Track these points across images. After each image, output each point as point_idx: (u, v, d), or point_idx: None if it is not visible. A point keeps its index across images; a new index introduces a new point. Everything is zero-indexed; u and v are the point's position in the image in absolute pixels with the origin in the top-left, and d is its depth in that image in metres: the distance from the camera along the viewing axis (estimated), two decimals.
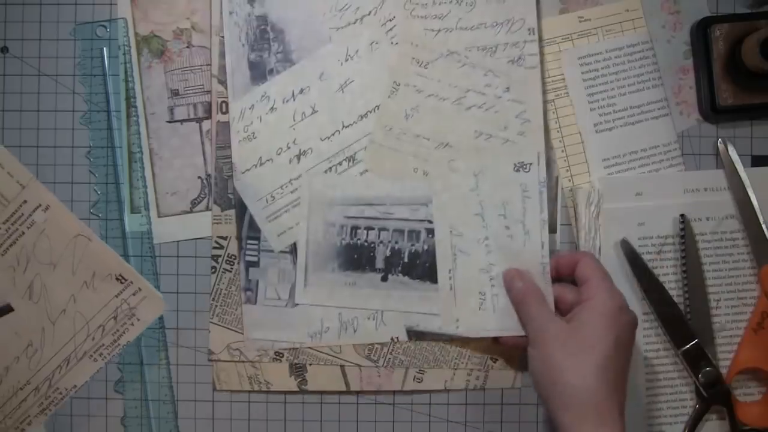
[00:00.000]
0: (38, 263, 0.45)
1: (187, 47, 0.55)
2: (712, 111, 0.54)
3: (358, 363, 0.55)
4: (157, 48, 0.55)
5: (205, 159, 0.55)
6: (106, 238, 0.53)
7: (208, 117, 0.55)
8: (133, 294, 0.46)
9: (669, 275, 0.54)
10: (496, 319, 0.54)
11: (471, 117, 0.54)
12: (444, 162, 0.54)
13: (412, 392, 0.55)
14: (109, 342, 0.47)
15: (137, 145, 0.55)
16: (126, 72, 0.54)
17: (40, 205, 0.44)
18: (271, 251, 0.55)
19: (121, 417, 0.54)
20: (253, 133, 0.54)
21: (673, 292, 0.53)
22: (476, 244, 0.54)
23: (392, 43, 0.55)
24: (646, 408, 0.54)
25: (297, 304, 0.55)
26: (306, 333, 0.55)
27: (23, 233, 0.45)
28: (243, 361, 0.55)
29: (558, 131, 0.55)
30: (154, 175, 0.55)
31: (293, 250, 0.55)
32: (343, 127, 0.55)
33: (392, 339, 0.55)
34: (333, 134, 0.55)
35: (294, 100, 0.55)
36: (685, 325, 0.53)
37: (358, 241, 0.55)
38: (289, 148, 0.55)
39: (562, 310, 0.51)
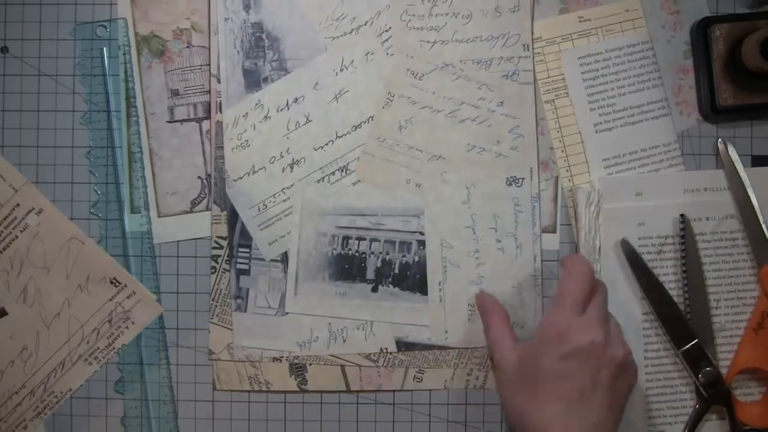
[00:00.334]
0: (32, 267, 0.45)
1: (187, 47, 0.55)
2: (712, 111, 0.54)
3: (358, 363, 0.55)
4: (157, 48, 0.55)
5: (205, 159, 0.55)
6: (106, 238, 0.53)
7: (208, 117, 0.55)
8: (128, 297, 0.46)
9: (669, 275, 0.54)
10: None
11: (464, 130, 0.55)
12: (436, 174, 0.55)
13: (412, 392, 0.55)
14: (104, 345, 0.47)
15: (137, 145, 0.55)
16: (126, 72, 0.54)
17: (33, 208, 0.44)
18: (262, 259, 0.55)
19: (121, 417, 0.54)
20: (247, 141, 0.55)
21: (673, 292, 0.53)
22: (467, 257, 0.54)
23: (387, 54, 0.55)
24: (646, 408, 0.54)
25: (287, 313, 0.55)
26: (295, 342, 0.55)
27: (16, 237, 0.44)
28: (243, 361, 0.55)
29: (558, 131, 0.55)
30: (154, 175, 0.55)
31: (284, 258, 0.55)
32: (337, 137, 0.55)
33: (381, 350, 0.55)
34: (326, 144, 0.55)
35: (288, 109, 0.55)
36: (685, 325, 0.53)
37: (350, 252, 0.55)
38: (282, 156, 0.55)
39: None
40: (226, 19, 0.54)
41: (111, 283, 0.46)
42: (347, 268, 0.55)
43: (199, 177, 0.55)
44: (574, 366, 0.45)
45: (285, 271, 0.55)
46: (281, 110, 0.55)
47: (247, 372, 0.55)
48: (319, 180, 0.55)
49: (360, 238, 0.55)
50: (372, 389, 0.55)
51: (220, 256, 0.55)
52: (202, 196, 0.55)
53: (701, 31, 0.54)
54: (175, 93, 0.55)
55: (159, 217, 0.55)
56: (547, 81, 0.55)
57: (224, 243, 0.55)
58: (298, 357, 0.55)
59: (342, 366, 0.55)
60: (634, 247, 0.53)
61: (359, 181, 0.55)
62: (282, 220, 0.55)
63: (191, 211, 0.55)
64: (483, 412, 0.56)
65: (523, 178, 0.55)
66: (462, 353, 0.55)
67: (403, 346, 0.55)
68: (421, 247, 0.55)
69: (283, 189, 0.55)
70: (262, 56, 0.55)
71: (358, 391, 0.56)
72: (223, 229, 0.55)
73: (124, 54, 0.54)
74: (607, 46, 0.55)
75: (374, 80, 0.55)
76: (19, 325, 0.45)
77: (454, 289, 0.54)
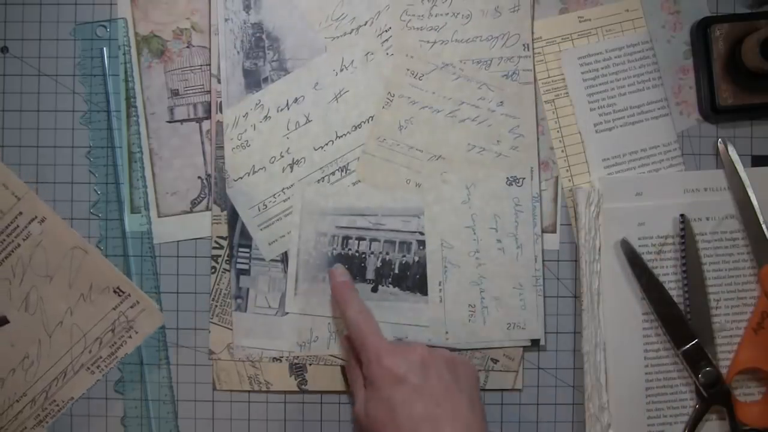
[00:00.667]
0: (34, 275, 0.44)
1: (187, 47, 0.55)
2: (712, 111, 0.54)
3: None
4: (157, 48, 0.55)
5: (205, 159, 0.55)
6: (106, 239, 0.53)
7: (208, 117, 0.55)
8: (131, 306, 0.46)
9: (669, 275, 0.54)
10: (486, 332, 0.54)
11: (464, 130, 0.55)
12: (436, 174, 0.55)
13: None
14: (107, 354, 0.47)
15: (137, 145, 0.55)
16: (126, 72, 0.54)
17: (36, 217, 0.44)
18: (262, 259, 0.55)
19: (121, 417, 0.54)
20: (247, 141, 0.55)
21: (673, 292, 0.53)
22: (467, 257, 0.54)
23: (387, 54, 0.55)
24: (646, 408, 0.54)
25: (287, 313, 0.55)
26: (295, 342, 0.55)
27: (19, 245, 0.44)
28: (243, 361, 0.55)
29: (558, 131, 0.55)
30: (154, 175, 0.55)
31: (284, 258, 0.55)
32: (337, 137, 0.55)
33: None
34: (326, 144, 0.55)
35: (288, 109, 0.55)
36: (685, 325, 0.53)
37: (349, 252, 0.55)
38: (282, 156, 0.55)
39: None
40: (226, 20, 0.54)
41: (114, 292, 0.46)
42: (347, 268, 0.55)
43: (199, 177, 0.55)
44: (427, 381, 0.45)
45: (285, 271, 0.55)
46: (281, 110, 0.55)
47: (247, 372, 0.55)
48: (319, 180, 0.55)
49: (360, 238, 0.55)
50: None
51: (220, 256, 0.55)
52: (202, 196, 0.55)
53: (701, 31, 0.54)
54: (175, 93, 0.55)
55: (159, 217, 0.55)
56: (547, 81, 0.55)
57: (224, 243, 0.55)
58: (298, 357, 0.55)
59: (342, 366, 0.55)
60: (634, 247, 0.53)
61: (359, 181, 0.55)
62: (282, 220, 0.55)
63: (191, 211, 0.55)
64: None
65: (524, 178, 0.55)
66: (462, 353, 0.55)
67: None
68: (421, 247, 0.55)
69: (283, 189, 0.55)
70: (262, 56, 0.55)
71: None
72: (223, 229, 0.55)
73: (124, 54, 0.54)
74: (607, 46, 0.55)
75: (374, 80, 0.55)
76: (21, 333, 0.45)
77: (454, 289, 0.54)
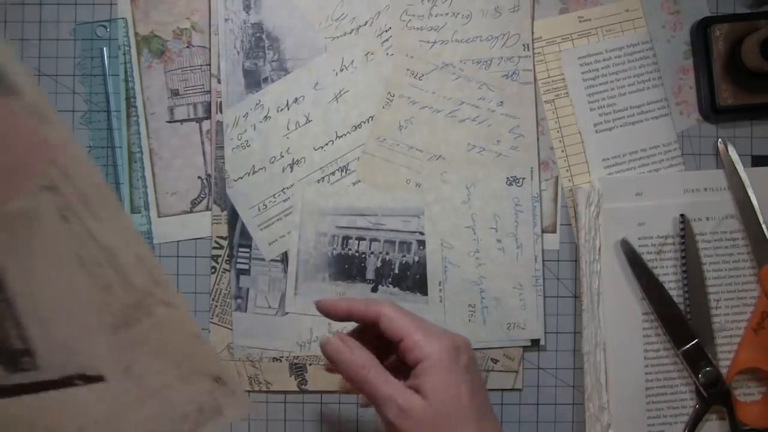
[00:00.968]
0: (146, 349, 0.44)
1: (187, 47, 0.55)
2: (712, 111, 0.54)
3: None
4: (157, 48, 0.55)
5: (205, 159, 0.55)
6: None
7: (208, 117, 0.55)
8: (225, 394, 0.46)
9: (669, 275, 0.54)
10: (485, 332, 0.54)
11: (464, 130, 0.55)
12: (436, 174, 0.55)
13: None
14: (188, 429, 0.47)
15: (137, 145, 0.55)
16: (126, 72, 0.54)
17: (165, 301, 0.44)
18: (262, 259, 0.55)
19: None
20: (247, 141, 0.55)
21: (673, 292, 0.53)
22: (467, 257, 0.54)
23: (387, 54, 0.55)
24: (646, 408, 0.54)
25: (287, 313, 0.55)
26: (295, 342, 0.55)
27: (140, 320, 0.44)
28: (243, 361, 0.55)
29: (558, 131, 0.55)
30: (154, 175, 0.55)
31: (284, 258, 0.55)
32: (337, 137, 0.55)
33: None
34: (326, 144, 0.55)
35: (288, 109, 0.55)
36: (685, 325, 0.53)
37: (349, 252, 0.55)
38: (282, 156, 0.55)
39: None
40: (226, 20, 0.54)
41: (214, 380, 0.46)
42: (347, 268, 0.55)
43: (199, 177, 0.55)
44: (474, 368, 0.42)
45: (285, 271, 0.55)
46: (281, 110, 0.55)
47: (247, 372, 0.55)
48: (319, 180, 0.55)
49: (360, 238, 0.55)
50: None
51: (220, 256, 0.55)
52: (202, 196, 0.55)
53: (701, 31, 0.54)
54: (175, 93, 0.55)
55: (159, 217, 0.55)
56: (547, 81, 0.55)
57: (224, 243, 0.55)
58: (298, 357, 0.55)
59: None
60: (634, 247, 0.53)
61: (359, 181, 0.55)
62: (282, 220, 0.55)
63: (191, 211, 0.55)
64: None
65: (524, 178, 0.55)
66: None
67: None
68: (421, 247, 0.55)
69: (283, 189, 0.55)
70: (262, 56, 0.55)
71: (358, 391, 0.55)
72: (223, 229, 0.55)
73: (124, 54, 0.54)
74: (607, 46, 0.55)
75: (374, 80, 0.55)
76: (114, 392, 0.44)
77: (454, 289, 0.54)
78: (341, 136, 0.55)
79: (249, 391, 0.55)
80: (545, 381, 0.56)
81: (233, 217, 0.55)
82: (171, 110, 0.55)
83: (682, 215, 0.53)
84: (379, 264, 0.55)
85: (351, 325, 0.46)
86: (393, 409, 0.40)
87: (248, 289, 0.55)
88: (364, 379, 0.41)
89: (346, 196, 0.55)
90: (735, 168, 0.54)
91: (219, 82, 0.55)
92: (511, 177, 0.55)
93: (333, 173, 0.55)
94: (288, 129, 0.55)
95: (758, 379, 0.54)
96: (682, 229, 0.53)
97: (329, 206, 0.55)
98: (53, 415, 0.44)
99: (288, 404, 0.55)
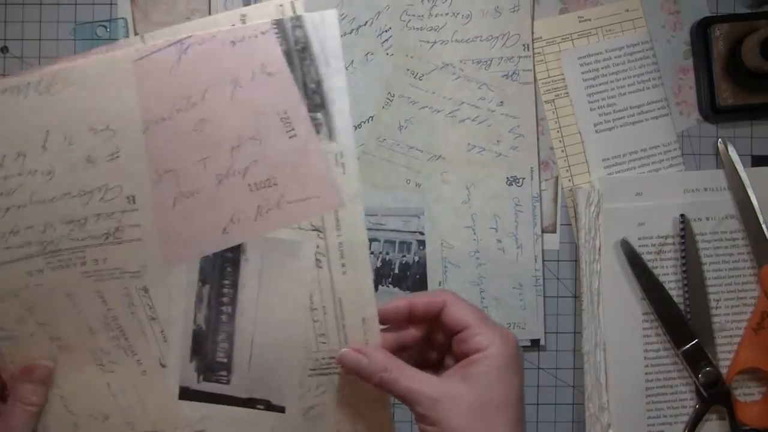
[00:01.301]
0: (331, 399, 0.46)
1: None
2: (712, 111, 0.54)
3: None
4: None
5: None
6: None
7: None
8: None
9: (669, 275, 0.54)
10: None
11: (464, 130, 0.55)
12: (436, 174, 0.55)
13: None
14: None
15: None
16: None
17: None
18: None
19: None
20: None
21: (673, 292, 0.53)
22: (467, 257, 0.54)
23: (387, 54, 0.55)
24: (646, 408, 0.54)
25: None
26: None
27: (338, 372, 0.45)
28: None
29: (558, 131, 0.55)
30: None
31: None
32: None
33: None
34: None
35: None
36: (685, 325, 0.53)
37: None
38: None
39: (429, 362, 0.45)
40: None
41: None
42: None
43: None
44: (523, 374, 0.42)
45: None
46: None
47: None
48: None
49: None
50: None
51: None
52: None
53: (701, 31, 0.54)
54: None
55: None
56: (547, 81, 0.55)
57: None
58: None
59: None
60: (634, 247, 0.53)
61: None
62: None
63: None
64: None
65: (524, 178, 0.55)
66: None
67: None
68: (421, 247, 0.55)
69: None
70: None
71: None
72: None
73: None
74: (607, 46, 0.55)
75: (374, 80, 0.55)
76: (287, 428, 0.46)
77: (455, 289, 0.54)
78: None
79: None
80: (545, 381, 0.56)
81: None
82: None
83: (682, 215, 0.54)
84: (379, 264, 0.55)
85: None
86: (424, 402, 0.40)
87: None
88: (387, 381, 0.41)
89: None
90: (735, 168, 0.54)
91: None
92: (511, 177, 0.55)
93: None
94: None
95: (758, 379, 0.54)
96: (682, 229, 0.53)
97: None
98: (224, 425, 0.46)
99: None
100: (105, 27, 0.55)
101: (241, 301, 0.44)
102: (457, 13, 0.55)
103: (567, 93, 0.55)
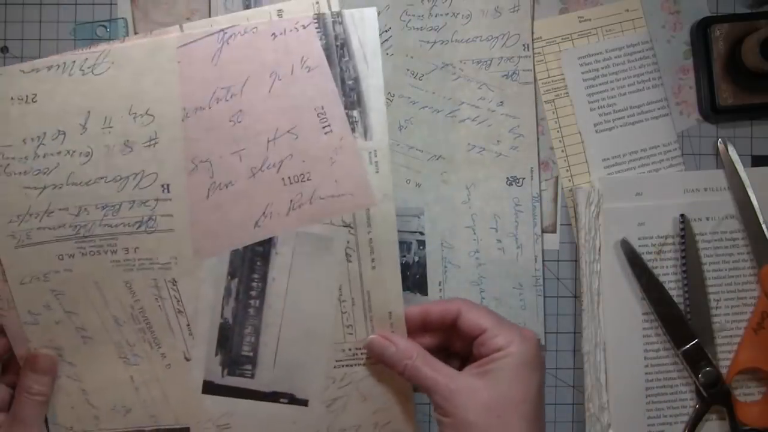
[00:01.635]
0: (355, 391, 0.46)
1: None
2: (712, 111, 0.54)
3: None
4: None
5: None
6: None
7: None
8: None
9: (669, 275, 0.54)
10: None
11: (464, 130, 0.55)
12: (436, 174, 0.55)
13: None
14: None
15: None
16: None
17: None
18: None
19: None
20: None
21: (673, 292, 0.53)
22: (467, 257, 0.54)
23: (387, 54, 0.55)
24: (646, 408, 0.54)
25: None
26: None
27: (363, 363, 0.46)
28: None
29: (558, 131, 0.55)
30: None
31: None
32: None
33: None
34: None
35: None
36: (685, 325, 0.53)
37: None
38: None
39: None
40: None
41: None
42: None
43: None
44: (543, 374, 0.43)
45: None
46: None
47: None
48: None
49: None
50: None
51: None
52: None
53: (701, 31, 0.54)
54: None
55: None
56: (547, 81, 0.55)
57: None
58: None
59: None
60: (634, 247, 0.53)
61: None
62: None
63: None
64: None
65: (524, 178, 0.55)
66: None
67: None
68: (421, 247, 0.55)
69: None
70: None
71: None
72: None
73: None
74: (607, 46, 0.55)
75: None
76: (309, 419, 0.46)
77: (454, 289, 0.54)
78: None
79: None
80: (545, 381, 0.56)
81: None
82: None
83: (682, 215, 0.54)
84: None
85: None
86: (441, 392, 0.41)
87: None
88: (411, 369, 0.42)
89: None
90: (735, 168, 0.54)
91: None
92: (511, 177, 0.55)
93: None
94: None
95: (758, 379, 0.54)
96: (682, 229, 0.53)
97: None
98: (247, 423, 0.46)
99: None
100: (105, 27, 0.55)
101: (270, 294, 0.45)
102: (457, 13, 0.55)
103: (567, 93, 0.55)
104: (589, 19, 0.55)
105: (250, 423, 0.47)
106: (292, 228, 0.44)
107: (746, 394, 0.54)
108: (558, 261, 0.55)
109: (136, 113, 0.42)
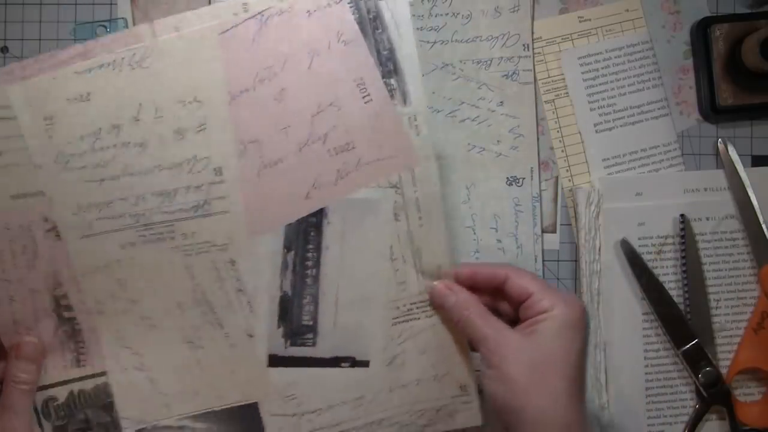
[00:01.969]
0: (414, 345, 0.47)
1: None
2: (712, 111, 0.54)
3: None
4: None
5: None
6: None
7: None
8: (464, 402, 0.48)
9: (669, 275, 0.54)
10: None
11: (464, 130, 0.55)
12: None
13: None
14: (421, 424, 0.49)
15: None
16: None
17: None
18: None
19: None
20: None
21: (673, 292, 0.53)
22: (467, 257, 0.54)
23: None
24: (646, 408, 0.54)
25: None
26: None
27: (419, 318, 0.48)
28: None
29: (558, 131, 0.55)
30: None
31: None
32: None
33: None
34: None
35: None
36: (685, 325, 0.53)
37: None
38: None
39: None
40: None
41: (460, 387, 0.48)
42: None
43: None
44: (586, 342, 0.45)
45: None
46: None
47: None
48: None
49: None
50: None
51: None
52: None
53: (701, 31, 0.54)
54: None
55: None
56: (547, 81, 0.55)
57: None
58: None
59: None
60: (634, 247, 0.53)
61: None
62: None
63: None
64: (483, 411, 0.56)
65: (524, 178, 0.55)
66: None
67: None
68: None
69: None
70: None
71: None
72: None
73: None
74: (607, 46, 0.55)
75: None
76: (372, 379, 0.48)
77: None
78: None
79: None
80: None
81: None
82: None
83: (682, 215, 0.53)
84: None
85: None
86: (490, 344, 0.43)
87: None
88: (466, 318, 0.44)
89: None
90: (735, 168, 0.54)
91: None
92: (511, 177, 0.55)
93: None
94: None
95: (758, 379, 0.54)
96: (682, 229, 0.53)
97: None
98: (312, 389, 0.48)
99: None
100: (105, 27, 0.55)
101: (325, 263, 0.46)
102: (457, 13, 0.54)
103: (567, 93, 0.55)
104: (589, 19, 0.55)
105: (314, 391, 0.48)
106: (341, 196, 0.46)
107: (746, 394, 0.54)
108: (558, 261, 0.55)
109: (184, 101, 0.44)
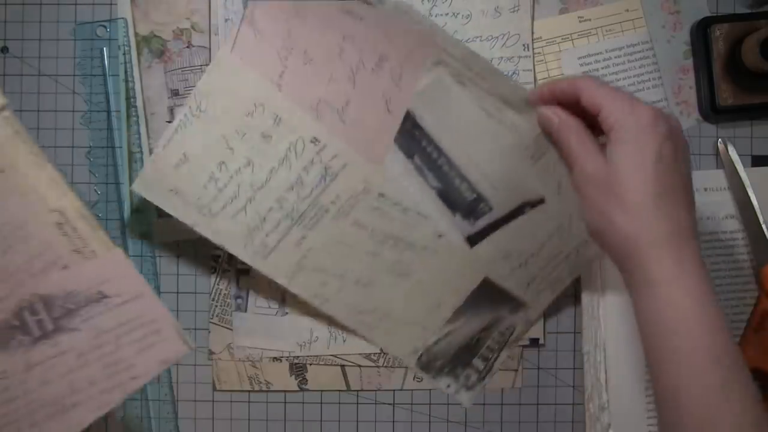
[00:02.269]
0: (565, 171, 0.47)
1: (187, 47, 0.55)
2: (712, 111, 0.54)
3: (358, 363, 0.55)
4: (157, 48, 0.55)
5: None
6: None
7: None
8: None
9: None
10: None
11: None
12: None
13: (413, 391, 0.56)
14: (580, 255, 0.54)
15: (137, 145, 0.55)
16: (126, 72, 0.54)
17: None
18: None
19: (121, 416, 0.55)
20: None
21: None
22: None
23: None
24: (646, 408, 0.54)
25: (287, 313, 0.55)
26: (295, 342, 0.55)
27: (549, 148, 0.49)
28: (243, 361, 0.55)
29: None
30: None
31: None
32: None
33: (382, 350, 0.55)
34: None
35: None
36: None
37: None
38: None
39: None
40: (226, 20, 0.54)
41: None
42: None
43: None
44: (673, 147, 0.41)
45: None
46: None
47: (247, 372, 0.55)
48: None
49: None
50: (372, 389, 0.55)
51: (220, 256, 0.55)
52: None
53: (701, 31, 0.54)
54: (175, 93, 0.55)
55: (159, 217, 0.55)
56: (547, 81, 0.55)
57: None
58: (298, 357, 0.55)
59: (342, 366, 0.55)
60: None
61: None
62: None
63: None
64: (483, 411, 0.56)
65: None
66: None
67: None
68: None
69: None
70: None
71: (358, 391, 0.56)
72: None
73: (124, 54, 0.54)
74: (607, 46, 0.55)
75: None
76: (555, 210, 0.52)
77: None
78: None
79: (249, 391, 0.55)
80: (545, 381, 0.56)
81: None
82: (171, 110, 0.55)
83: None
84: None
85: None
86: (575, 167, 0.43)
87: (248, 289, 0.55)
88: (564, 139, 0.44)
89: None
90: (735, 168, 0.54)
91: None
92: None
93: None
94: None
95: (758, 379, 0.54)
96: None
97: None
98: (519, 240, 0.52)
99: (288, 404, 0.56)
100: (105, 27, 0.55)
101: (445, 148, 0.50)
102: (457, 13, 0.54)
103: None
104: (589, 19, 0.55)
105: (521, 241, 0.52)
106: (410, 95, 0.49)
107: None
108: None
109: (251, 112, 0.48)
